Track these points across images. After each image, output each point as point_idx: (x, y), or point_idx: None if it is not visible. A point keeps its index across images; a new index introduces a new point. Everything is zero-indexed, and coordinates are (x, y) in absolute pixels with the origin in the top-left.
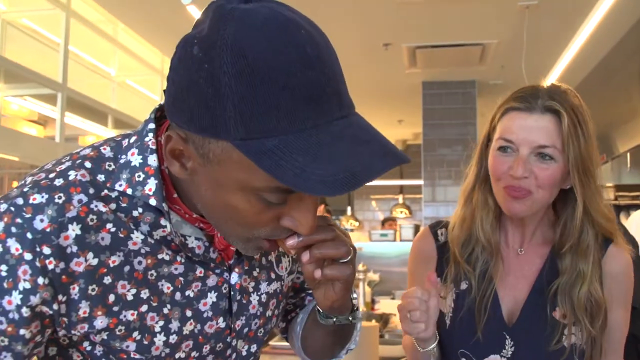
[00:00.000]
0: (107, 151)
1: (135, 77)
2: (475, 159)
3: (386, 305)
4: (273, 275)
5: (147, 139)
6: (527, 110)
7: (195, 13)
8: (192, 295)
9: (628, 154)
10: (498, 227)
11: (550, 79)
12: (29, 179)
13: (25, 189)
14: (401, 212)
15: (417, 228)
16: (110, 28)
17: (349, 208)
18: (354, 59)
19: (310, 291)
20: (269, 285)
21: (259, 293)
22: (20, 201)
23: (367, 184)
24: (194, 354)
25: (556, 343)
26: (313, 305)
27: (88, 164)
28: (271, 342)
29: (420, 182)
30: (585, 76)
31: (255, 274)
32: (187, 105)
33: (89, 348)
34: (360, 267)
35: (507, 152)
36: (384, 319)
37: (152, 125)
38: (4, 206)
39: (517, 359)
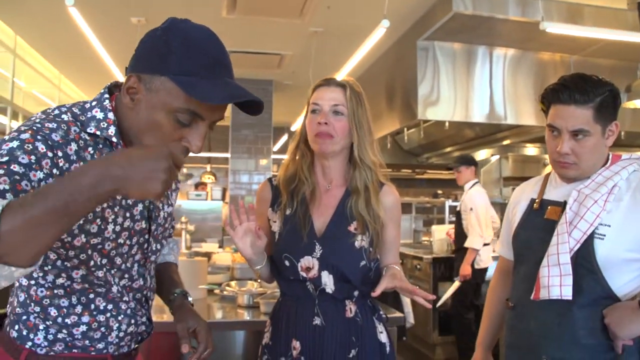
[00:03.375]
0: (76, 109)
1: None
2: (299, 129)
3: (207, 247)
4: (169, 202)
5: (105, 103)
6: (327, 85)
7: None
8: (130, 202)
9: None
10: (313, 171)
11: None
12: (34, 118)
13: (38, 121)
14: (209, 178)
15: (224, 190)
16: None
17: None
18: None
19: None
20: (168, 207)
21: (164, 210)
22: (39, 124)
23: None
24: (127, 242)
25: (350, 246)
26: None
27: (69, 114)
28: None
29: (227, 155)
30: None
31: (162, 198)
32: (147, 57)
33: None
34: (183, 219)
35: (316, 113)
36: (208, 256)
37: (107, 95)
38: (26, 127)
39: (323, 257)
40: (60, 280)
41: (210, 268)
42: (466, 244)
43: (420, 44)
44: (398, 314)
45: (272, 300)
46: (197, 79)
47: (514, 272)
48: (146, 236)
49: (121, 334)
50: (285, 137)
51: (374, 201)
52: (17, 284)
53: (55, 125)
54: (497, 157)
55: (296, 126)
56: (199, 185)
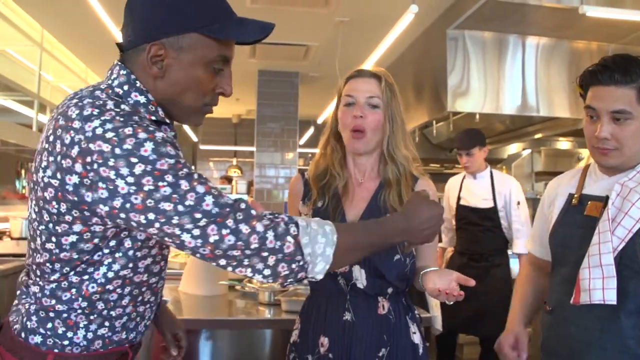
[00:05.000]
0: (113, 95)
1: (15, 47)
2: (329, 123)
3: None
4: None
5: (138, 84)
6: (360, 76)
7: None
8: None
9: None
10: (345, 165)
11: None
12: (108, 117)
13: (117, 117)
14: (234, 171)
15: (249, 184)
16: None
17: (192, 167)
18: None
19: None
20: None
21: None
22: (127, 116)
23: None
24: None
25: None
26: None
27: (114, 102)
28: None
29: (253, 148)
30: None
31: None
32: (163, 22)
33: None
34: None
35: (350, 106)
36: None
37: (134, 76)
38: (121, 123)
39: None
40: (123, 272)
41: None
42: (517, 249)
43: (450, 34)
44: (427, 314)
45: (294, 297)
46: (220, 24)
47: (552, 274)
48: None
49: (148, 322)
50: (311, 130)
51: (405, 195)
52: (49, 285)
53: (127, 112)
54: (529, 151)
55: (322, 119)
56: (224, 179)
